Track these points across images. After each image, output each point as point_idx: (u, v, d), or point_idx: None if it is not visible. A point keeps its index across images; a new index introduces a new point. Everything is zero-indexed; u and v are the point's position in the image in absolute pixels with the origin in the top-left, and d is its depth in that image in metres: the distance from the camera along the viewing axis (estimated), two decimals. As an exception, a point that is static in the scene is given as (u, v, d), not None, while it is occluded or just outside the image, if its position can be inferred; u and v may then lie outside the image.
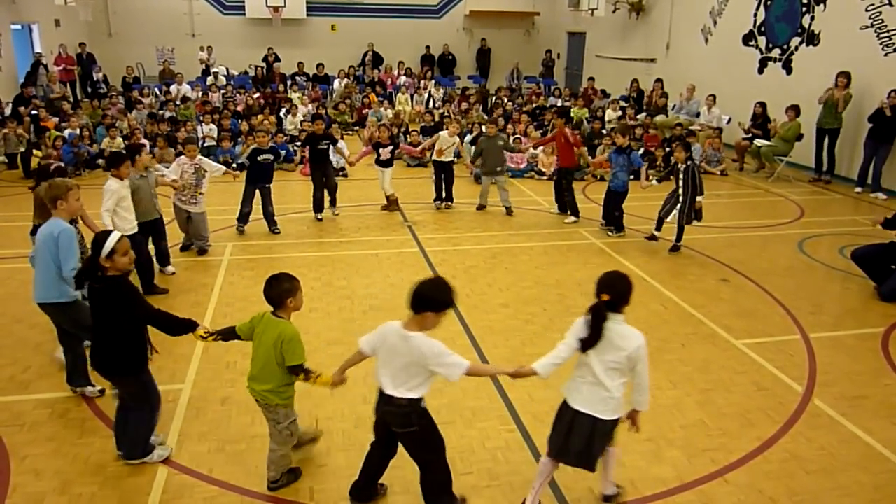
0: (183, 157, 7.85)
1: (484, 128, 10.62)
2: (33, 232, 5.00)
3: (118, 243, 3.84)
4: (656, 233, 8.60)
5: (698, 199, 8.04)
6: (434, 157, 10.19)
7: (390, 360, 3.47)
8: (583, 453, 3.62)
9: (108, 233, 3.93)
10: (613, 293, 3.50)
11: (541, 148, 12.23)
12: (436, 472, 3.68)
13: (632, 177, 9.12)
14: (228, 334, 3.97)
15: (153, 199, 7.04)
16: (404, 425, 3.53)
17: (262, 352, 3.75)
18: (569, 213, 9.75)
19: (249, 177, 8.66)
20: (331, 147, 9.75)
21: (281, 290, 3.70)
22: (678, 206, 8.21)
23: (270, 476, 4.02)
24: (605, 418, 3.55)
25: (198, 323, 4.08)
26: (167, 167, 12.35)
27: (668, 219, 8.36)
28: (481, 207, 10.13)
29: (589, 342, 3.50)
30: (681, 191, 8.18)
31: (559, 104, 17.27)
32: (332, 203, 9.69)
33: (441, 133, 10.22)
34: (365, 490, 3.90)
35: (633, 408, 3.66)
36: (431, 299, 3.39)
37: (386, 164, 9.85)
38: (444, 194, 10.17)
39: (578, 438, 3.58)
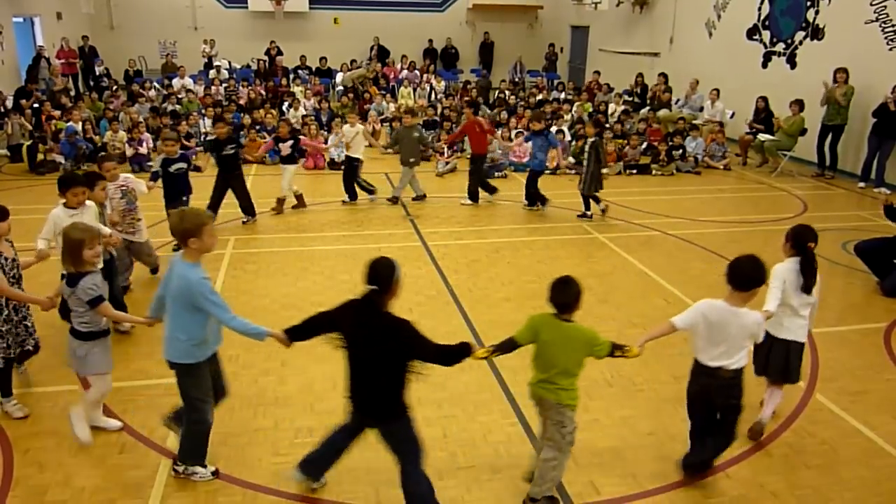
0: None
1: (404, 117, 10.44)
2: (71, 283, 4.08)
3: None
4: (587, 212, 9.49)
5: (603, 170, 9.18)
6: (344, 151, 9.91)
7: (721, 335, 3.81)
8: (785, 370, 4.55)
9: (386, 258, 3.48)
10: (816, 240, 4.44)
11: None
12: (729, 437, 4.06)
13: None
14: (509, 346, 3.77)
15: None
16: (729, 397, 3.90)
17: (558, 355, 3.66)
18: (467, 197, 10.10)
19: (165, 191, 7.60)
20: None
21: (574, 295, 3.63)
22: (582, 176, 9.32)
23: (533, 492, 3.76)
24: (801, 341, 4.51)
25: (471, 346, 3.64)
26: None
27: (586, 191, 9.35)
28: (422, 197, 10.15)
29: (811, 283, 4.38)
30: (585, 163, 9.20)
31: (562, 98, 17.27)
32: (246, 211, 8.95)
33: (343, 126, 10.17)
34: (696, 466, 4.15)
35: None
36: (759, 278, 3.79)
37: (287, 160, 9.34)
38: (353, 191, 9.91)
39: (778, 359, 4.49)
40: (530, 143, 10.09)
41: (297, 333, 3.76)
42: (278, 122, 10.23)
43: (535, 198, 9.75)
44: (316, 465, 3.90)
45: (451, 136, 11.65)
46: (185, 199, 7.67)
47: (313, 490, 3.96)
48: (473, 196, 10.07)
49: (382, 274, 3.40)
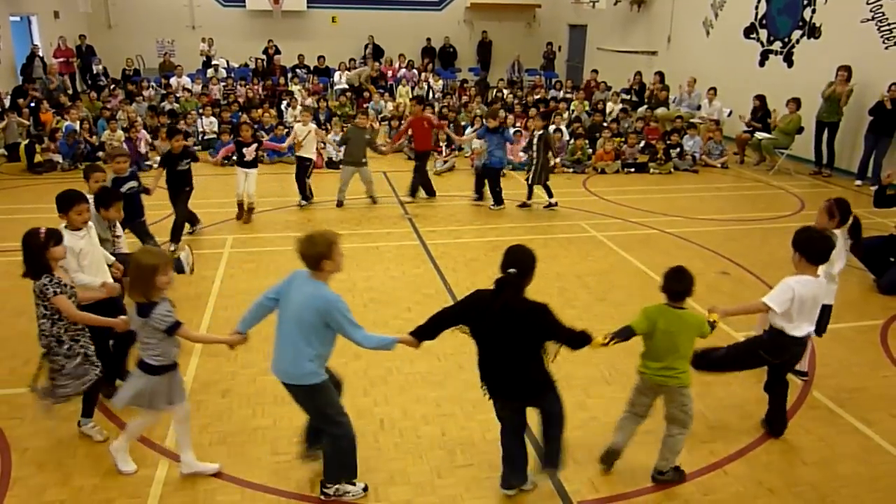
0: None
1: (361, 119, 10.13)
2: (142, 313, 3.71)
3: None
4: (528, 201, 9.85)
5: (556, 160, 9.49)
6: (296, 151, 9.67)
7: (808, 307, 4.23)
8: (819, 329, 4.95)
9: (523, 245, 3.63)
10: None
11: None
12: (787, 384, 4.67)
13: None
14: (627, 335, 3.90)
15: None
16: (802, 356, 4.64)
17: (678, 341, 3.91)
18: (422, 192, 10.13)
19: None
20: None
21: (689, 283, 3.90)
22: (531, 167, 9.61)
23: (660, 465, 4.08)
24: (832, 303, 5.12)
25: (590, 335, 3.71)
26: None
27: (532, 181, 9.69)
28: (339, 204, 9.72)
29: (860, 239, 5.25)
30: (534, 154, 9.52)
31: (560, 96, 17.28)
32: (173, 238, 7.86)
33: (295, 125, 10.09)
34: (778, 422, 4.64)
35: None
36: (831, 249, 4.31)
37: (249, 165, 8.82)
38: (307, 192, 9.73)
39: (821, 320, 4.78)
40: (484, 140, 9.99)
41: (425, 333, 3.80)
42: (240, 125, 9.58)
43: (496, 197, 9.74)
44: (515, 476, 3.95)
45: (398, 133, 11.60)
46: (139, 220, 6.96)
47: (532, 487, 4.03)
48: (413, 191, 10.07)
49: (523, 260, 3.54)
